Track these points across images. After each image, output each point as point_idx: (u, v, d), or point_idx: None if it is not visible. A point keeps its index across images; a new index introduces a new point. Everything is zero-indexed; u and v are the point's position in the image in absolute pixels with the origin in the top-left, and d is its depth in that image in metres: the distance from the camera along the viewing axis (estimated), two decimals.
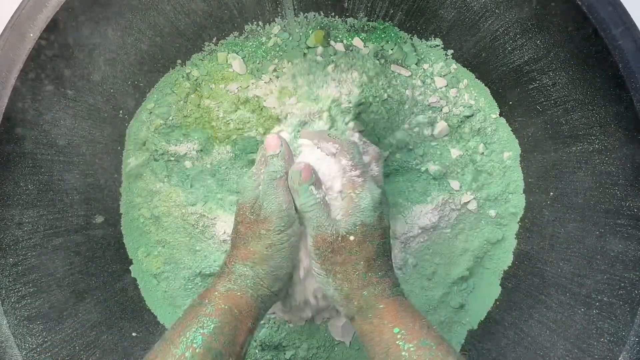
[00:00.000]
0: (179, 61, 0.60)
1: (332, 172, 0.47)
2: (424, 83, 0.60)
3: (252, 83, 0.59)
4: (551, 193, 0.56)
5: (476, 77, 0.60)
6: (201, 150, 0.59)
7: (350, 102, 0.55)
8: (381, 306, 0.43)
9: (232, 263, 0.45)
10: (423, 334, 0.40)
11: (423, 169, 0.59)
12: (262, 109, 0.58)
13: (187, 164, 0.59)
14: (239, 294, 0.43)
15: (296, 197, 0.45)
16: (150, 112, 0.59)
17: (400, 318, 0.42)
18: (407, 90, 0.58)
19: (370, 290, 0.44)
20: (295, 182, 0.45)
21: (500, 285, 0.60)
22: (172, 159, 0.59)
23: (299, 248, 0.47)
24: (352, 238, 0.44)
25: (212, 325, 0.40)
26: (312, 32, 0.59)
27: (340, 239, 0.44)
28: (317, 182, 0.46)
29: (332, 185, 0.47)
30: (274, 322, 0.58)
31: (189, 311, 0.42)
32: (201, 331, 0.39)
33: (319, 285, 0.47)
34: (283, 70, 0.58)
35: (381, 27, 0.60)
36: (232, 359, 0.40)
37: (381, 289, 0.44)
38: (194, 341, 0.38)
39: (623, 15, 0.45)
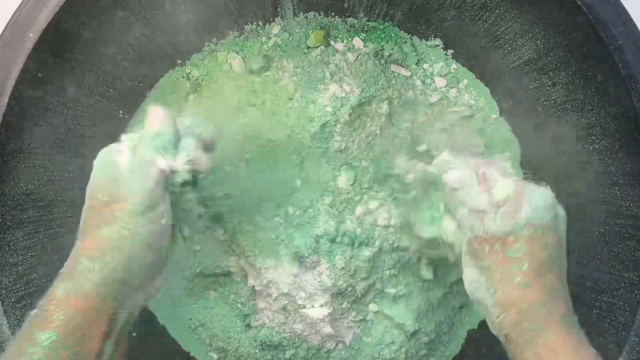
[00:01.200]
0: (179, 61, 0.59)
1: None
2: (424, 83, 0.60)
3: None
4: None
5: (476, 77, 0.60)
6: None
7: (350, 100, 0.55)
8: (549, 333, 0.35)
9: (75, 258, 0.36)
10: None
11: None
12: None
13: None
14: (80, 297, 0.34)
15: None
16: None
17: (581, 357, 0.34)
18: (408, 91, 0.58)
19: (534, 307, 0.36)
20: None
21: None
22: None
23: (168, 234, 0.38)
24: (511, 238, 0.37)
25: (49, 341, 0.32)
26: (312, 32, 0.59)
27: (496, 239, 0.37)
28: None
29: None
30: (276, 323, 0.58)
31: (22, 329, 0.34)
32: (36, 350, 0.32)
33: (467, 285, 0.40)
34: (283, 69, 0.58)
35: (381, 27, 0.60)
36: None
37: (549, 310, 0.36)
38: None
39: (623, 15, 0.45)
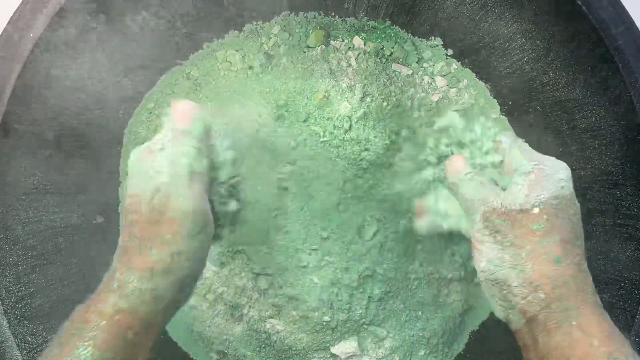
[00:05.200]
0: (178, 61, 0.59)
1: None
2: (424, 82, 0.60)
3: None
4: None
5: (476, 77, 0.60)
6: None
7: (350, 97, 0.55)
8: (584, 313, 0.33)
9: (124, 273, 0.35)
10: None
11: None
12: None
13: None
14: (132, 314, 0.33)
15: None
16: (150, 112, 0.59)
17: (616, 343, 0.31)
18: (410, 89, 0.58)
19: (566, 284, 0.34)
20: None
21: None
22: None
23: (209, 248, 0.38)
24: (536, 211, 0.35)
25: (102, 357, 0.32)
26: (312, 32, 0.59)
27: (519, 212, 0.35)
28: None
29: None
30: None
31: (64, 340, 0.32)
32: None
33: (484, 266, 0.37)
34: (283, 67, 0.58)
35: (381, 26, 0.60)
36: None
37: (582, 287, 0.34)
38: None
39: (623, 15, 0.45)
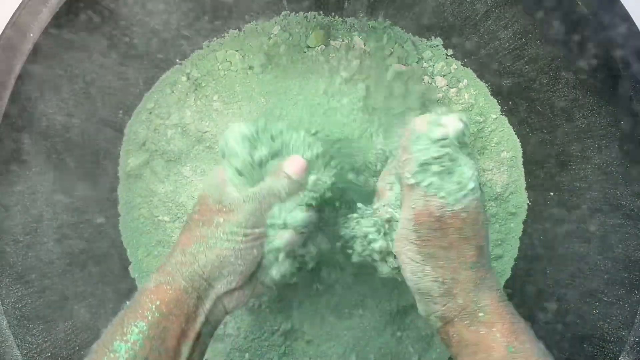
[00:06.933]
0: (178, 61, 0.59)
1: None
2: (424, 82, 0.60)
3: None
4: (551, 193, 0.56)
5: (476, 77, 0.60)
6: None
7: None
8: (491, 310, 0.36)
9: (170, 252, 0.39)
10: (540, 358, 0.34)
11: None
12: None
13: None
14: (168, 287, 0.36)
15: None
16: (150, 112, 0.59)
17: (514, 333, 0.35)
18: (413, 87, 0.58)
19: (480, 286, 0.37)
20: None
21: (501, 285, 0.60)
22: (172, 158, 0.59)
23: (256, 262, 0.40)
24: (464, 215, 0.36)
25: (137, 330, 0.34)
26: (312, 32, 0.59)
27: (450, 215, 0.36)
28: None
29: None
30: None
31: (117, 317, 0.36)
32: (124, 338, 0.34)
33: (409, 276, 0.39)
34: (283, 67, 0.58)
35: (381, 26, 0.60)
36: None
37: (490, 285, 0.37)
38: (118, 351, 0.33)
39: (623, 15, 0.45)
